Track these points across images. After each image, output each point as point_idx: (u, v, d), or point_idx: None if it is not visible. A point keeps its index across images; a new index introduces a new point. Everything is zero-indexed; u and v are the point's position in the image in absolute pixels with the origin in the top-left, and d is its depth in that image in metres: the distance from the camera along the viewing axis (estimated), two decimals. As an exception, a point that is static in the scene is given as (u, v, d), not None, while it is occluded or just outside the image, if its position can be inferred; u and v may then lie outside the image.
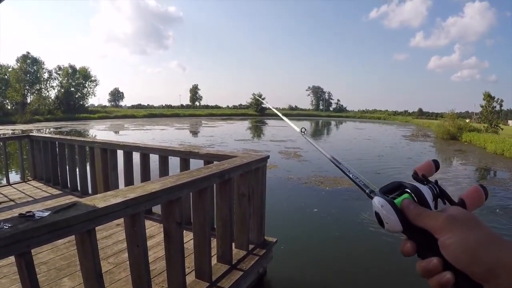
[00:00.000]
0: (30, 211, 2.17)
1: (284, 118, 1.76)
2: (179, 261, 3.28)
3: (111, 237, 4.96)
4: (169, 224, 3.16)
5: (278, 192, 10.86)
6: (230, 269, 4.15)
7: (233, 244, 4.43)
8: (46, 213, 2.18)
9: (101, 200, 2.49)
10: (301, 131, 1.23)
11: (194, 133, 41.06)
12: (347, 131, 50.44)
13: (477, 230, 0.57)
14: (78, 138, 8.03)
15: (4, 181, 8.71)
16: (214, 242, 4.05)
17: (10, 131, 37.62)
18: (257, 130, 47.39)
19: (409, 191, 0.67)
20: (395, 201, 0.66)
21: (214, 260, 4.10)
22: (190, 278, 3.69)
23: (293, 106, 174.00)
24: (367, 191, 0.74)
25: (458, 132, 36.22)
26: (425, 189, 0.67)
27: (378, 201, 0.66)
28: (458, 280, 0.56)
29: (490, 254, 0.54)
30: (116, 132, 39.52)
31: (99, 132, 40.55)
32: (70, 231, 2.24)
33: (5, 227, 1.96)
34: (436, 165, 0.75)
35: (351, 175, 0.82)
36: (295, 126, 1.52)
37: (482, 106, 44.34)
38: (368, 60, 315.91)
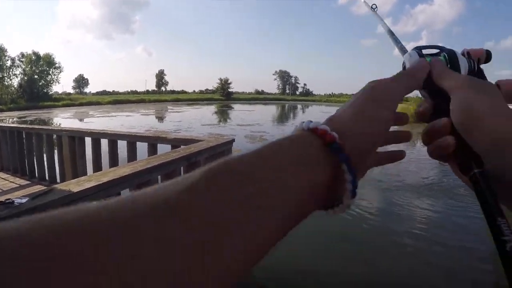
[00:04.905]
0: (9, 199, 2.31)
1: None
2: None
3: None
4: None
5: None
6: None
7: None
8: (25, 199, 2.33)
9: (76, 185, 2.66)
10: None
11: (161, 118, 40.74)
12: (313, 115, 50.65)
13: (494, 98, 0.50)
14: (45, 127, 8.06)
15: (-31, 174, 8.60)
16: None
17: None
18: (223, 115, 47.24)
19: (445, 54, 0.61)
20: (427, 58, 0.60)
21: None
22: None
23: (260, 90, 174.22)
24: (399, 45, 0.75)
25: (423, 115, 36.43)
26: (463, 60, 0.60)
27: (410, 53, 0.63)
28: (458, 149, 0.50)
29: (499, 124, 0.47)
30: (81, 120, 38.84)
31: (64, 120, 39.60)
32: (48, 216, 2.39)
33: (-16, 213, 2.12)
34: (488, 55, 0.63)
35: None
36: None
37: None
38: (336, 46, 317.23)
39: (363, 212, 7.28)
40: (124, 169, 3.18)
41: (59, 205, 2.39)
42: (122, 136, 5.90)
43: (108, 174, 3.00)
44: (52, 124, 34.93)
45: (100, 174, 3.06)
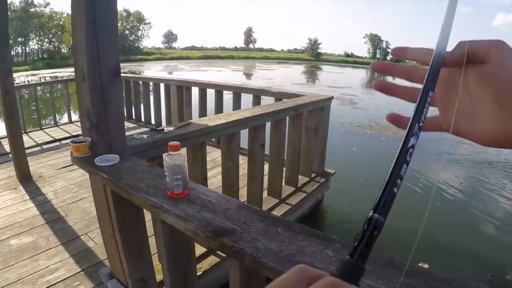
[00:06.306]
0: (160, 126, 2.86)
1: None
2: (259, 178, 3.98)
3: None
4: (254, 146, 3.83)
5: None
6: (296, 191, 4.83)
7: (299, 171, 5.06)
8: (172, 128, 2.88)
9: (209, 121, 3.18)
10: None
11: (251, 75, 41.36)
12: (402, 81, 49.56)
13: None
14: (152, 77, 8.70)
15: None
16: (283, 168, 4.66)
17: (68, 74, 38.71)
18: (312, 75, 47.12)
19: None
20: None
21: (282, 183, 4.71)
22: (263, 195, 4.34)
23: (349, 53, 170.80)
24: None
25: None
26: None
27: None
28: None
29: None
30: (170, 73, 40.00)
31: (157, 73, 40.92)
32: (187, 143, 2.92)
33: (144, 136, 2.66)
34: None
35: None
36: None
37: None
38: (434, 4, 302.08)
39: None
40: (244, 113, 3.67)
41: (197, 135, 2.91)
42: (228, 87, 6.47)
43: (233, 115, 3.51)
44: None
45: (227, 115, 3.62)
